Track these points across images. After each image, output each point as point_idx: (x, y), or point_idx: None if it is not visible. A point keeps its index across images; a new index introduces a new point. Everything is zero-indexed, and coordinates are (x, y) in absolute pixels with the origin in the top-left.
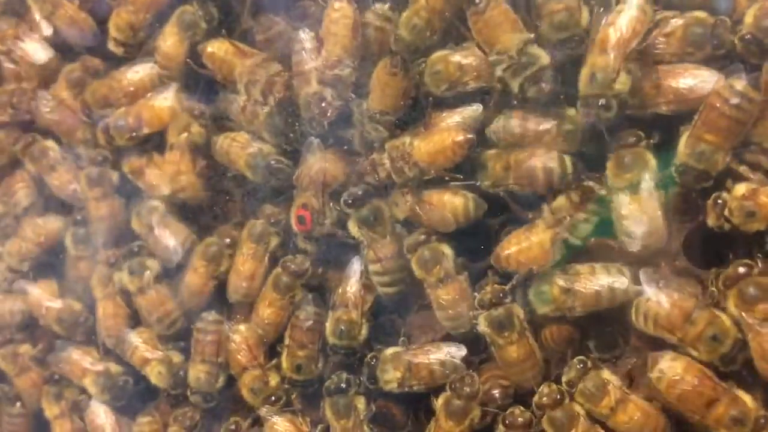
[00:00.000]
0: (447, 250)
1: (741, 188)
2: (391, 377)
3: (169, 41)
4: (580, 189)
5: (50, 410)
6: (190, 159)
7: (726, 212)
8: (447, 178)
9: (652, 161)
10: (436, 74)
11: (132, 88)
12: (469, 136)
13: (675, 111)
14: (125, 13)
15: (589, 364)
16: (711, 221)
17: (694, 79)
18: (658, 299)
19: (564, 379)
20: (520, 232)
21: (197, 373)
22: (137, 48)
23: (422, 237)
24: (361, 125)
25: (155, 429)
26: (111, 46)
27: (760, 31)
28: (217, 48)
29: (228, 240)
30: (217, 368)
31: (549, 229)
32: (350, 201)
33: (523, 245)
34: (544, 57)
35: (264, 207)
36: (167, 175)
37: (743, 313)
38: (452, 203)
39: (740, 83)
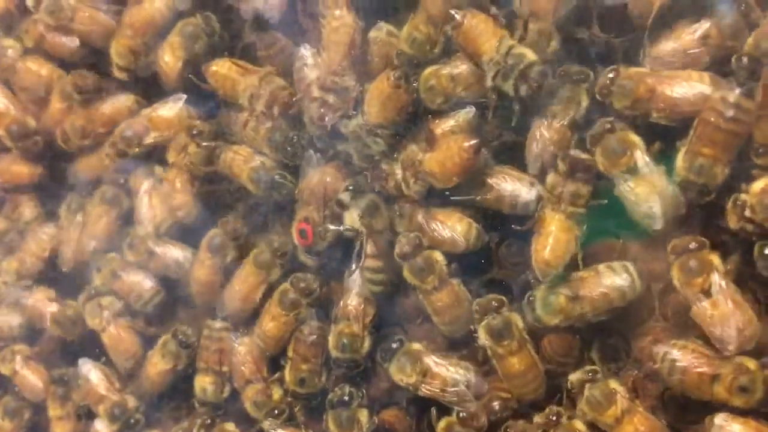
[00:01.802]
0: (439, 256)
1: (760, 183)
2: (404, 374)
3: (169, 53)
4: (565, 159)
5: (54, 411)
6: (187, 178)
7: (747, 212)
8: (451, 196)
9: (637, 138)
10: (430, 90)
11: (108, 118)
12: (474, 141)
13: (666, 120)
14: (124, 38)
15: (599, 375)
16: (732, 224)
17: (690, 89)
18: (679, 365)
19: (570, 377)
20: (537, 237)
21: (203, 384)
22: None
23: (416, 241)
24: (357, 139)
25: None
26: (115, 72)
27: (757, 51)
28: (219, 66)
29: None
30: (222, 378)
31: (557, 212)
32: (352, 188)
33: (549, 242)
34: (530, 54)
35: (272, 238)
36: (153, 209)
37: (683, 286)
38: (454, 228)
39: (733, 95)
